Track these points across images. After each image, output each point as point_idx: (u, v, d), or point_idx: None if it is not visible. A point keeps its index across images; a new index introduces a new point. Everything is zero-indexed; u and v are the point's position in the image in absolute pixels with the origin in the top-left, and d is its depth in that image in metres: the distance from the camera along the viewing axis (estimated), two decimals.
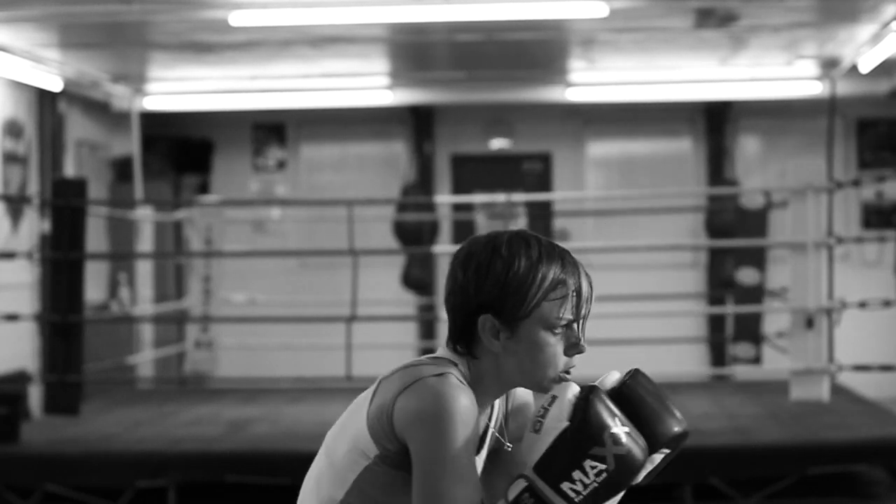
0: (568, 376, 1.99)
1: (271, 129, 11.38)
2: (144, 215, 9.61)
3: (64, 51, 8.75)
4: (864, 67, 8.95)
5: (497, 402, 2.07)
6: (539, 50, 9.10)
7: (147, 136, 10.55)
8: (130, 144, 10.28)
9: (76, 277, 7.39)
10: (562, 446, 1.86)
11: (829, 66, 9.54)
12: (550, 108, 10.91)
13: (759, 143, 11.21)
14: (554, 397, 1.91)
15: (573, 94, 10.33)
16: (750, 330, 9.03)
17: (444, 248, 9.44)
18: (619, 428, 1.87)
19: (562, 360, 1.97)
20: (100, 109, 10.37)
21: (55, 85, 9.18)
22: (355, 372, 7.72)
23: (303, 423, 7.18)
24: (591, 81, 10.24)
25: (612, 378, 1.99)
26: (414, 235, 10.03)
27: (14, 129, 9.04)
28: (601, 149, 11.28)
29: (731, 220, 9.52)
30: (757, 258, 8.94)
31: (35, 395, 8.57)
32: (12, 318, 7.43)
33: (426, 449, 1.94)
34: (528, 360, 1.96)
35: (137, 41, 8.57)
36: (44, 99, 9.42)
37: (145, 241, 9.73)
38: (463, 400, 1.93)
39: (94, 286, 9.65)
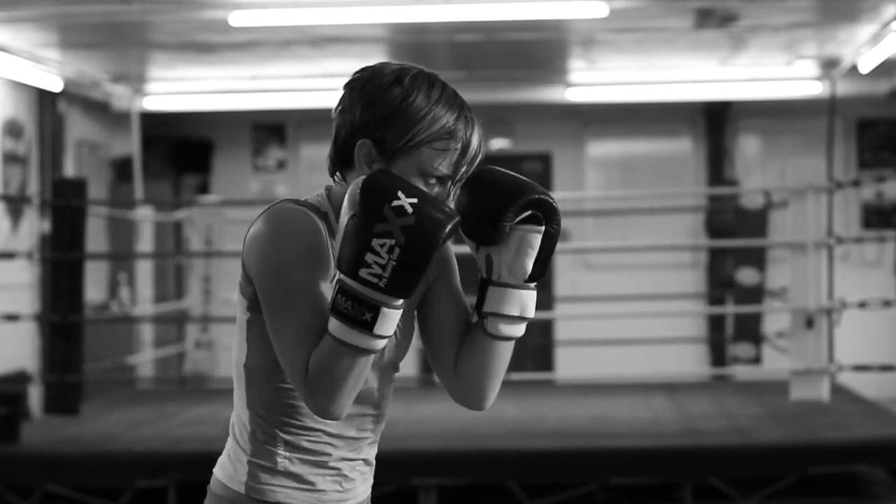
0: None
1: (271, 129, 11.38)
2: (144, 215, 9.61)
3: (64, 51, 8.75)
4: (864, 67, 8.95)
5: None
6: (539, 50, 9.10)
7: (147, 136, 10.55)
8: (130, 144, 10.28)
9: (76, 277, 7.39)
10: (350, 235, 1.81)
11: (829, 66, 9.54)
12: (550, 108, 10.90)
13: (759, 143, 11.21)
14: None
15: (573, 94, 10.33)
16: (750, 330, 9.03)
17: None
18: (403, 199, 1.79)
19: None
20: (100, 109, 10.37)
21: (55, 85, 9.18)
22: None
23: None
24: (591, 81, 10.24)
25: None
26: None
27: (14, 129, 9.04)
28: (601, 149, 11.27)
29: (731, 220, 9.52)
30: (757, 258, 8.94)
31: (35, 395, 8.57)
32: (12, 318, 7.43)
33: (258, 266, 1.91)
34: None
35: (137, 41, 8.57)
36: (44, 99, 9.42)
37: (145, 241, 9.72)
38: (294, 216, 1.90)
39: (94, 286, 9.65)
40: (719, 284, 10.32)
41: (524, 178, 1.95)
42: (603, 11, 7.29)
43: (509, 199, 1.91)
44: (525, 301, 1.97)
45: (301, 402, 1.95)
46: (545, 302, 10.37)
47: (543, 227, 1.96)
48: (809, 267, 7.37)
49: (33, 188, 9.24)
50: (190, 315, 9.82)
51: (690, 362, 10.65)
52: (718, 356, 10.55)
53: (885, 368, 7.79)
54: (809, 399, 7.41)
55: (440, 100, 1.92)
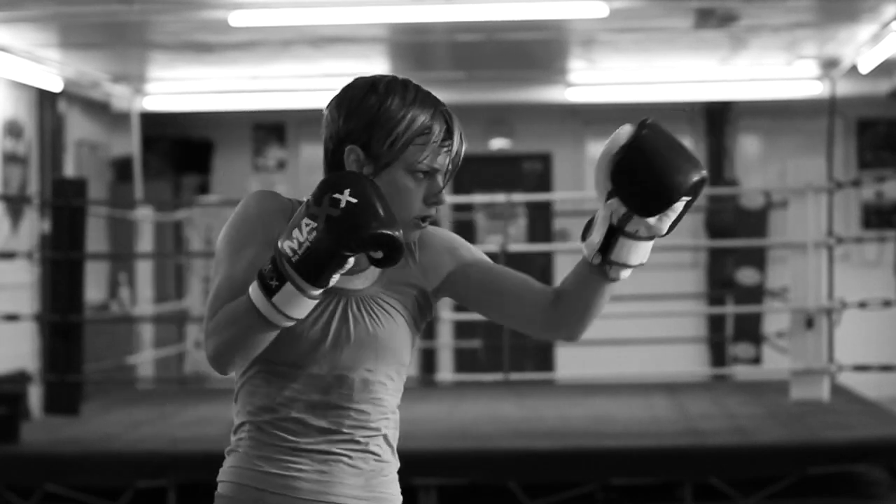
0: (423, 224, 2.05)
1: (271, 129, 11.38)
2: (144, 215, 9.61)
3: (64, 51, 8.75)
4: (864, 67, 8.95)
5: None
6: (539, 50, 9.10)
7: (147, 136, 10.54)
8: (130, 144, 10.28)
9: (76, 277, 7.39)
10: (297, 212, 1.92)
11: (829, 66, 9.54)
12: (550, 108, 10.90)
13: (759, 143, 11.21)
14: None
15: (573, 94, 10.33)
16: (750, 330, 9.03)
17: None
18: (344, 195, 1.88)
19: (418, 206, 2.03)
20: (100, 109, 10.37)
21: (55, 85, 9.18)
22: None
23: None
24: (591, 81, 10.24)
25: (625, 131, 2.06)
26: None
27: (14, 129, 9.04)
28: (601, 149, 11.26)
29: (731, 220, 9.52)
30: (757, 258, 8.94)
31: (35, 395, 8.57)
32: (12, 318, 7.43)
33: (223, 230, 2.07)
34: (387, 198, 1.97)
35: (137, 41, 8.57)
36: (44, 99, 9.42)
37: (145, 241, 9.72)
38: (262, 192, 2.06)
39: (94, 286, 9.64)
40: (719, 284, 10.32)
41: (683, 147, 2.02)
42: (603, 11, 7.29)
43: (680, 184, 2.01)
44: (648, 251, 2.07)
45: (263, 387, 2.05)
46: None
47: (692, 198, 2.04)
48: (809, 267, 7.37)
49: (33, 188, 9.24)
50: (190, 315, 9.83)
51: (690, 362, 10.64)
52: (718, 356, 10.55)
53: (885, 368, 7.79)
54: (809, 399, 7.41)
55: (415, 100, 2.02)
